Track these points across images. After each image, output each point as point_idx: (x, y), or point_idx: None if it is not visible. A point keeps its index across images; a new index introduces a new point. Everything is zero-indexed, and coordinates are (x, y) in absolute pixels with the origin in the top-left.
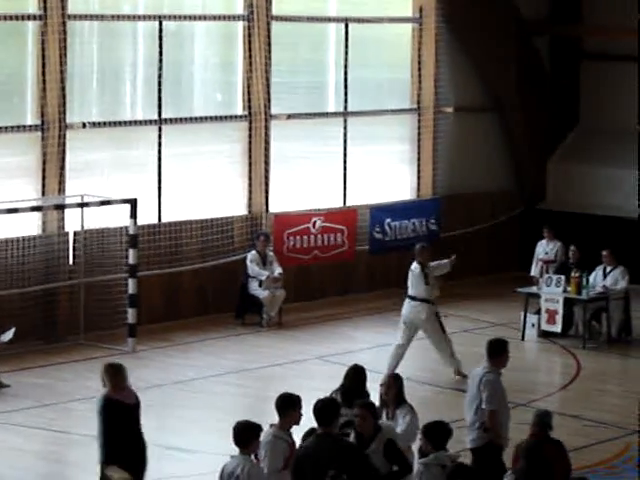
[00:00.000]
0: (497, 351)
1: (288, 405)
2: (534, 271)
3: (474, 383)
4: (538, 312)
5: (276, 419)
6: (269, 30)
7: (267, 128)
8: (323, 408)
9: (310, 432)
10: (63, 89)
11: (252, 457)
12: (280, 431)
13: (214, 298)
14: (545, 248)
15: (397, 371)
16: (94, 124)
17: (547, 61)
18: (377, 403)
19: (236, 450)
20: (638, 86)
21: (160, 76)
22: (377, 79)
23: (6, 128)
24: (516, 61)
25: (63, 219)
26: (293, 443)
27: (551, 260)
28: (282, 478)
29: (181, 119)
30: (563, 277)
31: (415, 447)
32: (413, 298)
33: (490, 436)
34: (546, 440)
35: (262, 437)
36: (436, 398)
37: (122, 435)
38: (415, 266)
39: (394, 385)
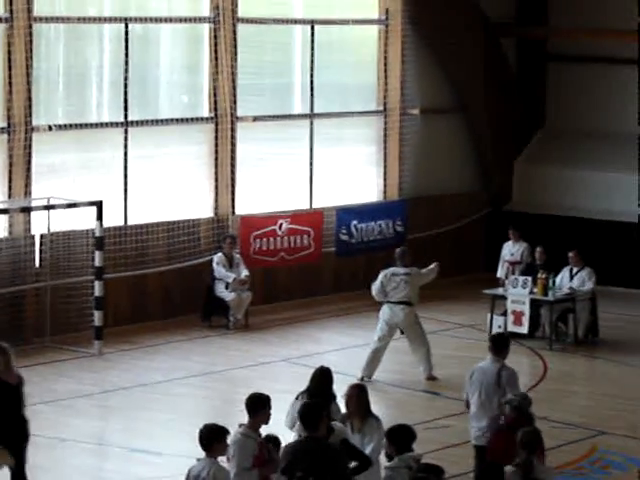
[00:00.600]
0: (504, 345)
1: (258, 405)
2: (500, 272)
3: (489, 378)
4: (504, 314)
5: (242, 421)
6: (235, 32)
7: (233, 130)
8: (309, 412)
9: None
10: (29, 91)
11: (219, 459)
12: (249, 430)
13: (180, 300)
14: (511, 249)
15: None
16: (60, 126)
17: (513, 63)
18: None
19: (202, 453)
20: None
21: (126, 78)
22: (343, 81)
23: None
24: (482, 63)
25: (29, 222)
26: (262, 442)
27: (517, 261)
28: (251, 477)
29: (147, 121)
30: (529, 278)
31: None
32: (398, 302)
33: None
34: (522, 425)
35: (231, 436)
36: (407, 400)
37: (4, 414)
38: (397, 270)
39: (359, 396)
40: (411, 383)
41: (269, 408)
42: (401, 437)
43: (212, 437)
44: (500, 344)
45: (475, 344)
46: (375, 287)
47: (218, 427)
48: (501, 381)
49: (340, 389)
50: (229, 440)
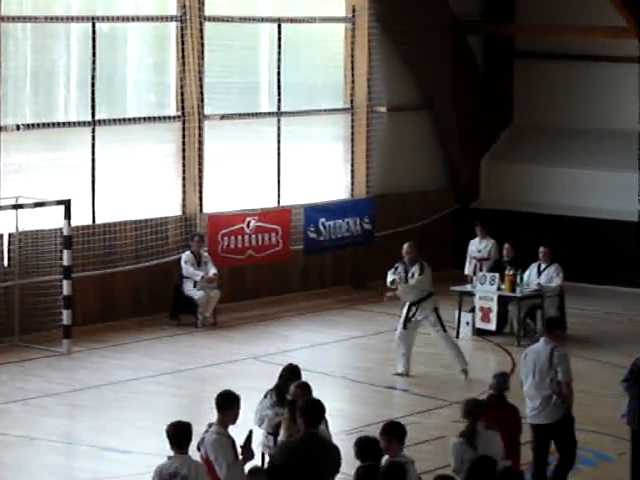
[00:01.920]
0: (555, 326)
1: (228, 402)
2: (467, 269)
3: (542, 359)
4: (472, 310)
5: (211, 418)
6: (202, 31)
7: (201, 128)
8: (310, 408)
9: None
10: None
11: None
12: (221, 428)
13: (149, 299)
14: (478, 246)
15: (335, 369)
16: (28, 126)
17: (481, 60)
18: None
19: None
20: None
21: (93, 77)
22: (310, 79)
23: None
24: (450, 60)
25: None
26: (233, 440)
27: (484, 258)
28: (237, 470)
29: (114, 120)
30: (497, 275)
31: None
32: None
33: (567, 406)
34: (500, 402)
35: (207, 439)
36: (376, 397)
37: None
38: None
39: (305, 396)
40: (380, 380)
41: (238, 407)
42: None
43: (184, 434)
44: (552, 326)
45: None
46: None
47: (186, 423)
48: (553, 361)
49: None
50: (207, 443)
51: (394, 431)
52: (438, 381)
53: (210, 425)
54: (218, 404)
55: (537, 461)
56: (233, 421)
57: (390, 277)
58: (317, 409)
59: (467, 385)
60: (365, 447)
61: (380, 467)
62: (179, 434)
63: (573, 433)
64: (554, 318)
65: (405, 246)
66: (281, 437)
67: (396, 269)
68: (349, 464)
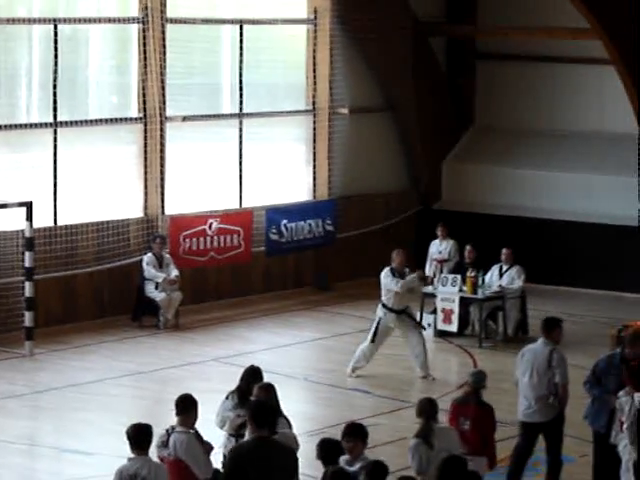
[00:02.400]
0: (554, 325)
1: (190, 405)
2: (428, 271)
3: (540, 360)
4: (434, 312)
5: (173, 420)
6: (164, 32)
7: (162, 130)
8: (258, 410)
9: None
10: None
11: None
12: (186, 429)
13: (110, 301)
14: (438, 247)
15: (297, 371)
16: None
17: (442, 61)
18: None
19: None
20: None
21: (55, 79)
22: (272, 80)
23: None
24: (411, 62)
25: None
26: (201, 439)
27: (444, 259)
28: (210, 463)
29: (76, 122)
30: (459, 276)
31: None
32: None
33: (562, 407)
34: (476, 400)
35: (177, 442)
36: (337, 399)
37: None
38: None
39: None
40: (342, 382)
41: (197, 410)
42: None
43: (145, 436)
44: (551, 326)
45: (404, 342)
46: None
47: (147, 425)
48: (552, 363)
49: None
50: (177, 444)
51: (359, 432)
52: (400, 383)
53: (173, 427)
54: (179, 407)
55: (518, 458)
56: (193, 424)
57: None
58: (264, 411)
59: (429, 386)
60: (328, 449)
61: (345, 470)
62: (139, 435)
63: (562, 432)
64: (553, 318)
65: (394, 253)
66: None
67: (394, 275)
68: (312, 466)
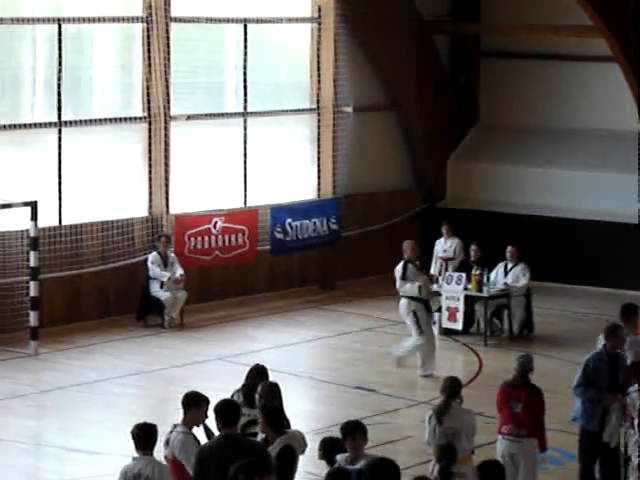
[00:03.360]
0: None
1: (193, 402)
2: (433, 269)
3: None
4: (439, 310)
5: (177, 419)
6: (168, 31)
7: (167, 129)
8: (225, 408)
9: None
10: None
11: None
12: (185, 428)
13: (115, 300)
14: (443, 246)
15: (302, 370)
16: None
17: (447, 60)
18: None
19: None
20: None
21: (59, 78)
22: (277, 79)
23: None
24: (416, 60)
25: None
26: (198, 439)
27: (449, 257)
28: None
29: (81, 121)
30: (464, 275)
31: None
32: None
33: None
34: (525, 383)
35: (174, 441)
36: (342, 397)
37: None
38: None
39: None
40: (347, 380)
41: (206, 408)
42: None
43: (150, 435)
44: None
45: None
46: None
47: (151, 425)
48: None
49: None
50: (174, 443)
51: (359, 429)
52: (406, 381)
53: (175, 426)
54: (183, 404)
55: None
56: (199, 422)
57: None
58: (232, 409)
59: (434, 385)
60: (330, 448)
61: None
62: (144, 435)
63: None
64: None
65: (405, 244)
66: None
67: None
68: (318, 464)
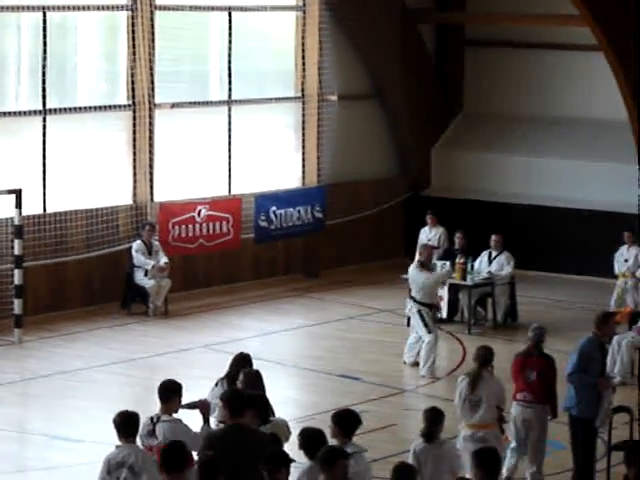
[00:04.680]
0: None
1: (172, 393)
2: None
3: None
4: None
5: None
6: (152, 20)
7: (151, 117)
8: (233, 398)
9: None
10: None
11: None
12: (170, 416)
13: (100, 288)
14: (428, 234)
15: (286, 358)
16: None
17: (431, 48)
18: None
19: None
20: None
21: (44, 66)
22: (261, 67)
23: None
24: (400, 48)
25: None
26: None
27: (434, 246)
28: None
29: (65, 109)
30: (448, 263)
31: None
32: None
33: None
34: (538, 352)
35: (165, 431)
36: (327, 385)
37: None
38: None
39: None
40: (331, 368)
41: (181, 396)
42: (349, 421)
43: (132, 423)
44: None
45: (395, 328)
46: None
47: (134, 413)
48: None
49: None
50: (166, 433)
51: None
52: (389, 369)
53: (158, 417)
54: (165, 392)
55: None
56: (177, 410)
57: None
58: (240, 399)
59: (418, 373)
60: (309, 438)
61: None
62: (126, 423)
63: None
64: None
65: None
66: None
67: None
68: (301, 453)
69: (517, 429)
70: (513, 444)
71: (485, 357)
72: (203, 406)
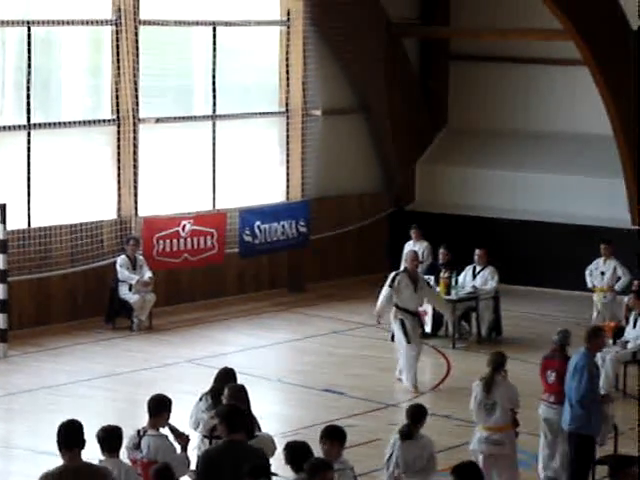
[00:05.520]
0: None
1: (162, 407)
2: None
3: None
4: None
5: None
6: (137, 34)
7: (135, 132)
8: (231, 415)
9: None
10: None
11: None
12: (156, 431)
13: (84, 303)
14: (412, 248)
15: (271, 373)
16: None
17: (416, 63)
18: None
19: None
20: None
21: (29, 81)
22: (245, 82)
23: None
24: (385, 63)
25: None
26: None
27: (419, 261)
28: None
29: (50, 124)
30: (432, 277)
31: None
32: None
33: None
34: (561, 355)
35: (150, 445)
36: (311, 400)
37: None
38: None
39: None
40: (315, 383)
41: (170, 411)
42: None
43: (115, 438)
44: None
45: (379, 343)
46: None
47: (116, 427)
48: None
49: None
50: (151, 448)
51: (336, 434)
52: (374, 384)
53: (145, 430)
54: (154, 407)
55: None
56: (164, 424)
57: None
58: (238, 415)
59: (402, 387)
60: (294, 452)
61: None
62: (109, 438)
63: None
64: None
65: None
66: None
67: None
68: (287, 468)
69: (543, 427)
70: (542, 441)
71: (498, 362)
72: (184, 440)
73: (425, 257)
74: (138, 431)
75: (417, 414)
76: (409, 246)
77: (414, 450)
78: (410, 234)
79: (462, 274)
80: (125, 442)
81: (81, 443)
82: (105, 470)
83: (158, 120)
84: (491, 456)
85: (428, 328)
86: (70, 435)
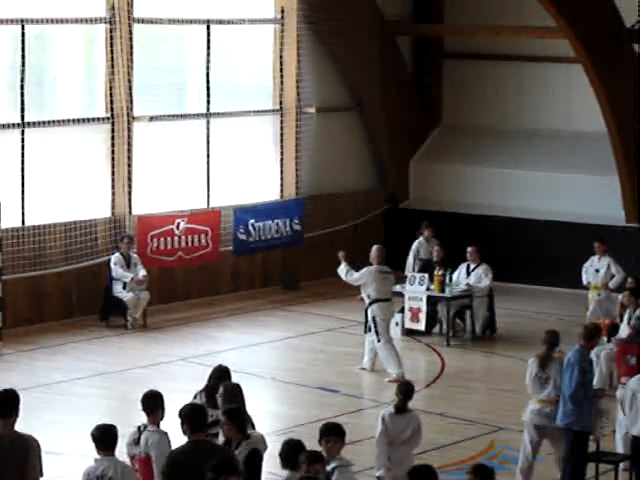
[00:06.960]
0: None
1: (154, 402)
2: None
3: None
4: (402, 310)
5: (141, 420)
6: (131, 32)
7: (130, 130)
8: (193, 414)
9: None
10: None
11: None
12: (157, 427)
13: (78, 301)
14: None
15: (265, 370)
16: None
17: (410, 61)
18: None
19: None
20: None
21: (23, 79)
22: (239, 80)
23: None
24: (378, 61)
25: None
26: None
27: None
28: None
29: (44, 122)
30: (426, 275)
31: None
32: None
33: None
34: (638, 340)
35: (149, 440)
36: (305, 398)
37: None
38: (384, 268)
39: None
40: (310, 381)
41: (163, 406)
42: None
43: (110, 436)
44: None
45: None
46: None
47: (112, 426)
48: None
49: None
50: (149, 442)
51: (339, 432)
52: (367, 382)
53: (145, 426)
54: (149, 404)
55: None
56: (161, 419)
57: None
58: (199, 415)
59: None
60: (289, 449)
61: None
62: (104, 436)
63: None
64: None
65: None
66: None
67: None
68: (277, 464)
69: (622, 406)
70: (621, 417)
71: (553, 340)
72: None
73: (420, 254)
74: (139, 427)
75: (409, 390)
76: (419, 244)
77: (402, 422)
78: (421, 231)
79: (456, 272)
80: (127, 439)
81: (14, 413)
82: (30, 438)
83: (152, 118)
84: (541, 427)
85: (422, 326)
86: (5, 404)
